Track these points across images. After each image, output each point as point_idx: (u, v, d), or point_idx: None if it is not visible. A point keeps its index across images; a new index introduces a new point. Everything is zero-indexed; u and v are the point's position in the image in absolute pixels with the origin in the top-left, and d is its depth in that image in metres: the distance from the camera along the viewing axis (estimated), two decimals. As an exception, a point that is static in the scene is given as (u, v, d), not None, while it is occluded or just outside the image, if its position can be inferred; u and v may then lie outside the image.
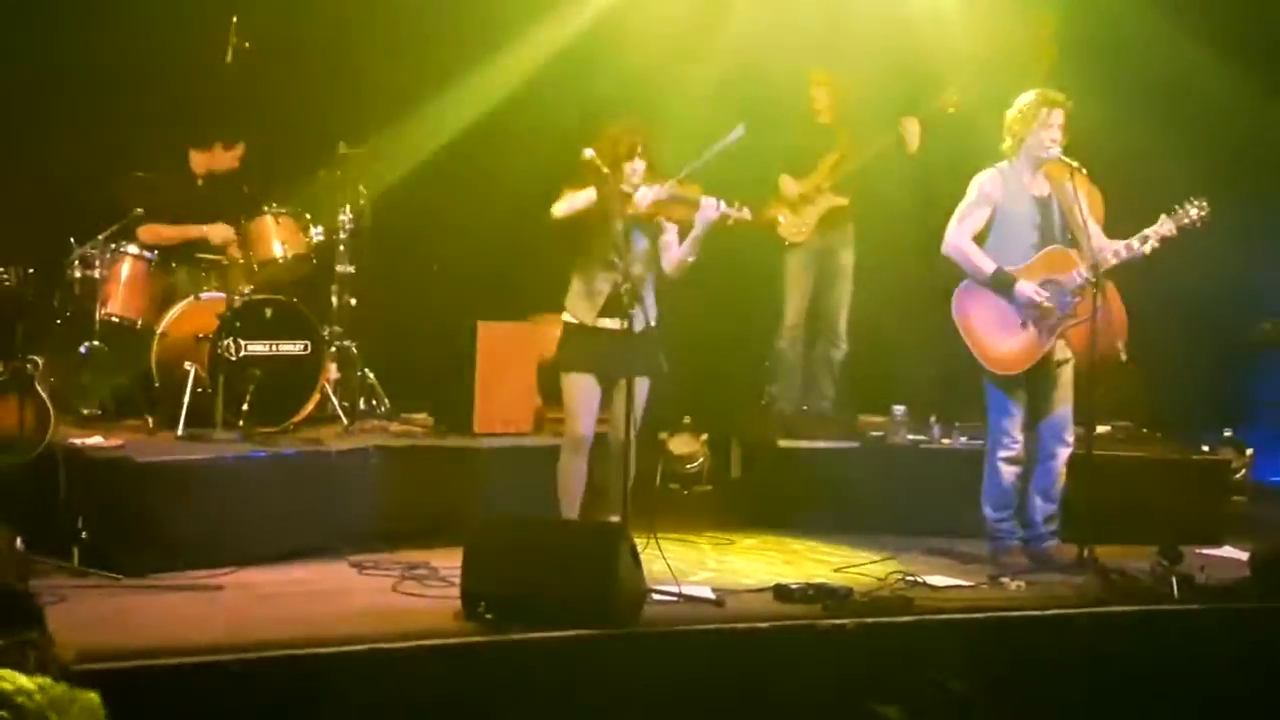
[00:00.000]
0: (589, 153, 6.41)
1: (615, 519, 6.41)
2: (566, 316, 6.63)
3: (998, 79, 8.21)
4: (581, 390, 6.58)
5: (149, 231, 7.66)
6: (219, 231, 7.73)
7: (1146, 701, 5.75)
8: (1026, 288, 6.68)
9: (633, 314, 6.26)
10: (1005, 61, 8.56)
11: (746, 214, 6.42)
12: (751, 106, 8.54)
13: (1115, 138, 8.30)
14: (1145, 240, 6.68)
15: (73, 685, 2.53)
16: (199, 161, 7.84)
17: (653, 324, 6.43)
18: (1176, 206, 6.70)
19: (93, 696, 2.52)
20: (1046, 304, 6.67)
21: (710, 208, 6.36)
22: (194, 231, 7.74)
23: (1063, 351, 6.84)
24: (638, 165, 6.47)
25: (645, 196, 6.43)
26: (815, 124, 8.57)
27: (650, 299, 6.53)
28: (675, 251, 6.54)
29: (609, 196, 6.41)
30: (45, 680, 2.50)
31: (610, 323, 6.49)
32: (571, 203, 6.48)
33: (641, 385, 6.43)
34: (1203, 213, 6.66)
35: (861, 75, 8.59)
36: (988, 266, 6.75)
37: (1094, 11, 8.86)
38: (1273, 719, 5.82)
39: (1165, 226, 6.68)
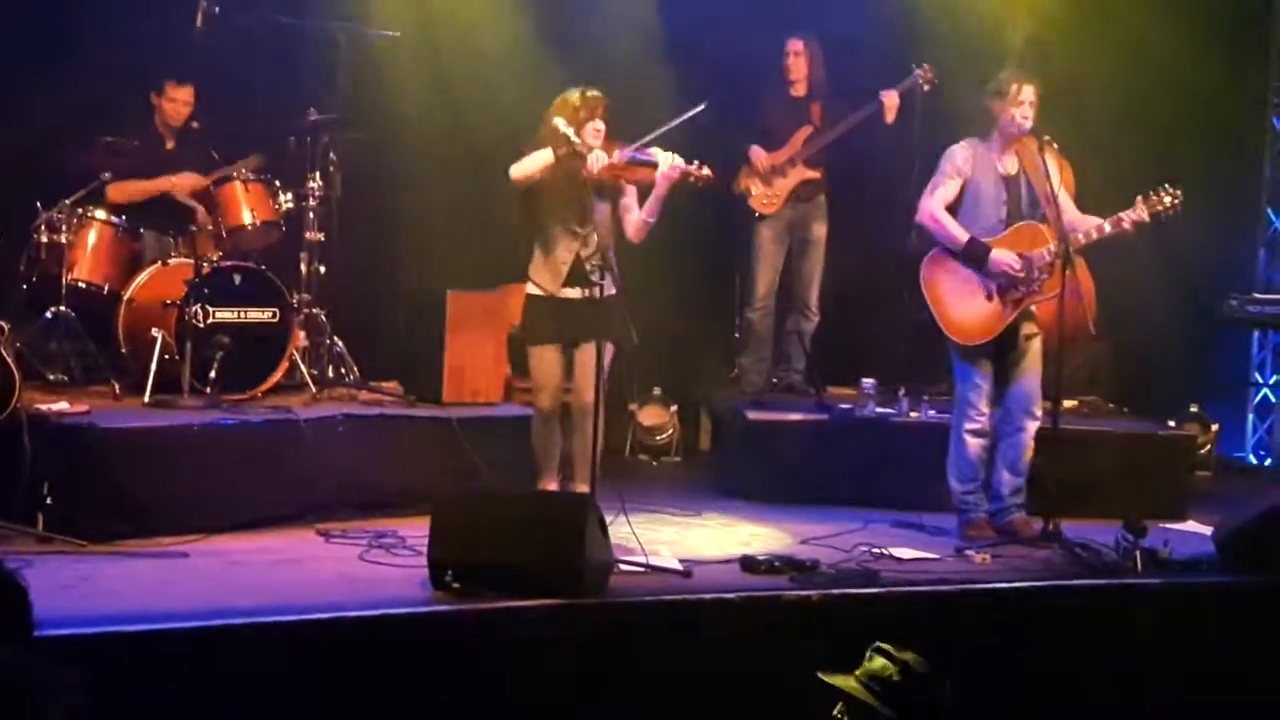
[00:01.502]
0: (560, 122, 6.39)
1: (582, 488, 6.42)
2: (530, 288, 6.62)
3: (971, 54, 8.25)
4: (546, 363, 6.62)
5: (117, 190, 7.63)
6: (186, 180, 7.70)
7: (1110, 675, 5.79)
8: (1002, 257, 6.70)
9: (599, 282, 6.27)
10: (978, 37, 8.58)
11: (706, 172, 6.39)
12: (725, 75, 8.55)
13: (1085, 111, 8.33)
14: (1118, 223, 6.71)
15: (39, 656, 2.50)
16: (164, 112, 7.78)
17: (613, 291, 6.39)
18: (1150, 192, 6.71)
19: (71, 674, 2.47)
20: (1019, 275, 6.70)
21: (671, 167, 6.33)
22: (161, 184, 7.70)
23: (1032, 325, 6.87)
24: (599, 127, 6.44)
25: (599, 160, 6.37)
26: (788, 95, 8.57)
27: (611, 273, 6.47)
28: (637, 214, 6.53)
29: (572, 163, 6.39)
30: (20, 654, 2.47)
31: (573, 292, 6.49)
32: (528, 164, 6.46)
33: (605, 351, 6.43)
34: (1176, 201, 6.69)
35: (837, 48, 8.58)
36: (962, 236, 6.77)
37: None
38: (1235, 693, 5.87)
39: (1138, 211, 6.70)
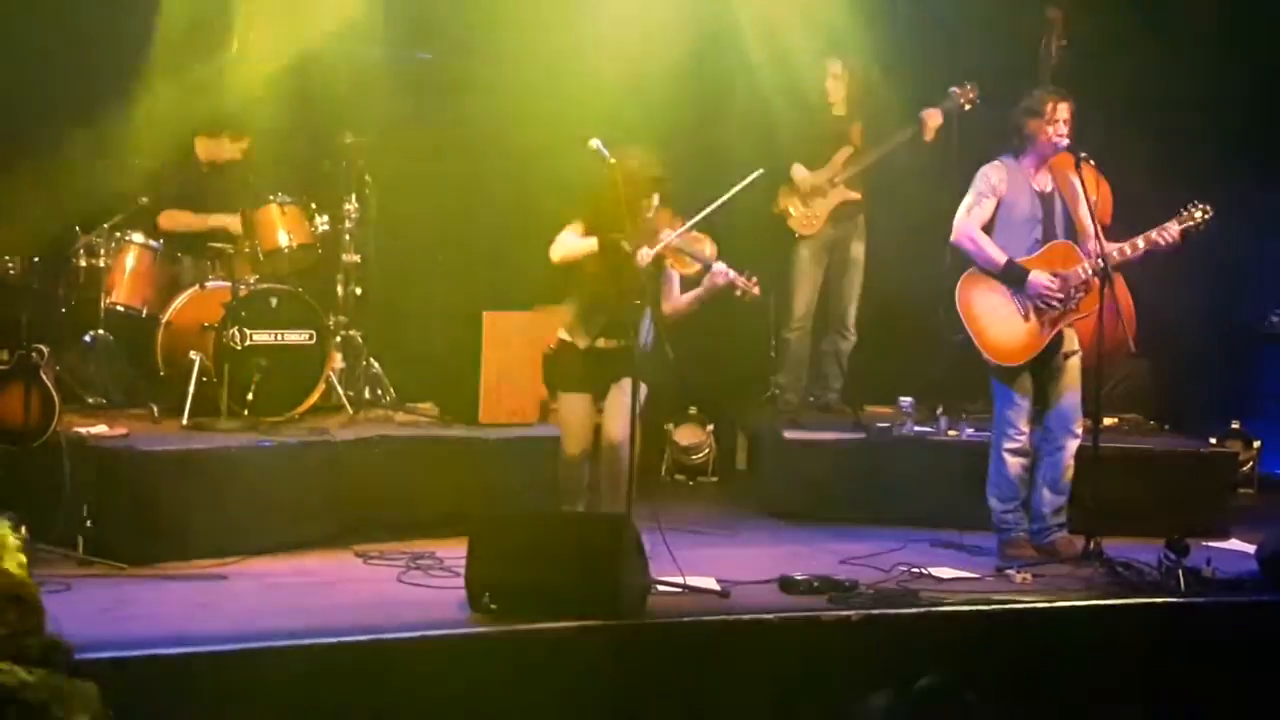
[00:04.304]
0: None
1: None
2: (562, 334, 6.54)
3: (1008, 75, 8.22)
4: (575, 411, 6.51)
5: (169, 218, 7.66)
6: (238, 223, 7.71)
7: (1154, 694, 5.74)
8: (1040, 279, 6.68)
9: (631, 333, 6.22)
10: (1016, 57, 8.55)
11: (755, 289, 6.29)
12: (768, 94, 8.55)
13: (1123, 129, 8.29)
14: (1150, 240, 6.71)
15: (72, 676, 2.52)
16: (204, 149, 7.83)
17: (647, 349, 6.31)
18: (1181, 209, 6.72)
19: (90, 687, 2.51)
20: (1057, 295, 6.67)
21: (720, 275, 6.25)
22: (215, 221, 7.73)
23: (1071, 343, 6.83)
24: (654, 203, 6.34)
25: (645, 257, 6.25)
26: (830, 116, 8.54)
27: (647, 325, 6.35)
28: (676, 299, 6.43)
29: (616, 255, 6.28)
30: (46, 672, 2.49)
31: (606, 343, 6.41)
32: (571, 250, 6.34)
33: (631, 386, 6.37)
34: (1207, 216, 6.71)
35: (878, 70, 8.55)
36: (1000, 258, 6.75)
37: (1103, 6, 8.84)
38: (1277, 713, 5.81)
39: (1170, 229, 6.71)
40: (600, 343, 6.44)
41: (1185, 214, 6.72)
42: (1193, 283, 8.56)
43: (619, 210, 6.15)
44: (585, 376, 6.50)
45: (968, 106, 8.27)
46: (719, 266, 6.29)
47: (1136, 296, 7.95)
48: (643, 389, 6.26)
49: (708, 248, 6.39)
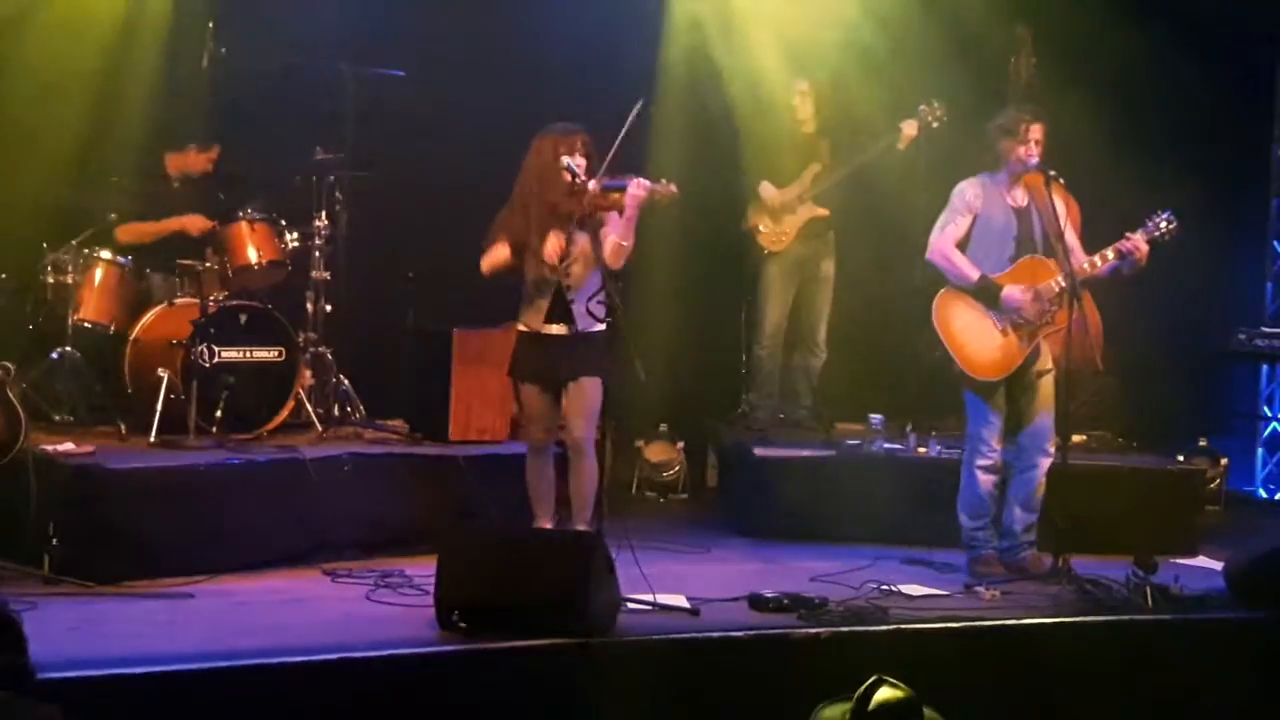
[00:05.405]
0: (565, 160, 6.38)
1: (582, 526, 6.39)
2: (520, 325, 6.60)
3: (977, 92, 8.27)
4: (531, 399, 6.58)
5: (127, 231, 7.63)
6: (195, 222, 7.68)
7: (1119, 712, 5.76)
8: (1014, 293, 6.72)
9: (598, 317, 6.26)
10: (985, 75, 8.60)
11: (672, 189, 6.34)
12: (736, 113, 8.57)
13: (1089, 149, 8.34)
14: (1120, 255, 6.75)
15: (34, 696, 2.50)
16: (173, 163, 7.82)
17: (601, 326, 6.33)
18: (1146, 219, 6.79)
19: (54, 710, 2.50)
20: (1031, 306, 6.71)
21: (637, 187, 6.29)
22: (172, 225, 7.69)
23: (1046, 361, 6.87)
24: (580, 162, 6.41)
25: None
26: (799, 133, 8.57)
27: (598, 298, 6.38)
28: (611, 238, 6.42)
29: (550, 198, 6.40)
30: (10, 695, 2.48)
31: (556, 328, 6.47)
32: (492, 260, 6.50)
33: (593, 385, 6.40)
34: (1171, 225, 6.77)
35: (846, 87, 8.58)
36: (973, 273, 6.79)
37: (1069, 26, 8.91)
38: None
39: (1136, 237, 6.75)
40: (550, 328, 6.46)
41: (1151, 224, 6.79)
42: (1160, 301, 8.62)
43: (542, 198, 6.38)
44: (536, 367, 6.53)
45: (935, 125, 8.31)
46: (634, 181, 6.32)
47: (1104, 314, 7.99)
48: (597, 384, 6.36)
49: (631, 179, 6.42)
